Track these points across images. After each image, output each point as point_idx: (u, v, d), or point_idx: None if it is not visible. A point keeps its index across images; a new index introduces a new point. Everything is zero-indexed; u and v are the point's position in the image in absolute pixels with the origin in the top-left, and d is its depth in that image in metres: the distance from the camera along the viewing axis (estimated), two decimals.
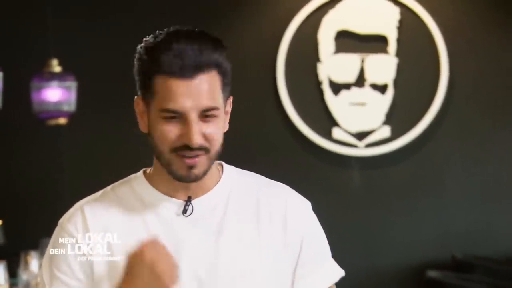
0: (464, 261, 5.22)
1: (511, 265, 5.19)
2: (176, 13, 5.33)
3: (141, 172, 1.81)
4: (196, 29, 1.69)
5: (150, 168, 1.80)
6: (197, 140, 1.65)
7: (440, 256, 5.40)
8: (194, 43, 1.65)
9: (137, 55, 1.70)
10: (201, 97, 1.65)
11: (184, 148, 1.66)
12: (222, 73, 1.69)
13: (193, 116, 1.65)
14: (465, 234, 5.45)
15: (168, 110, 1.65)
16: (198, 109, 1.65)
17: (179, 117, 1.65)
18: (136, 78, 1.71)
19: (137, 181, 1.79)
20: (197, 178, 1.70)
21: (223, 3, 5.48)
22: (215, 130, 1.68)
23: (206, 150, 1.68)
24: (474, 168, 5.48)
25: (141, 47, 1.69)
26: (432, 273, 5.10)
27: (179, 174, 1.69)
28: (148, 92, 1.68)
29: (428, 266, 5.30)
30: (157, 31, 1.70)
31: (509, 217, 5.47)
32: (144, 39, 1.70)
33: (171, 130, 1.66)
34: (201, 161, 1.68)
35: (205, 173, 1.71)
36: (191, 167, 1.68)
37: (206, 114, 1.66)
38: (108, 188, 1.81)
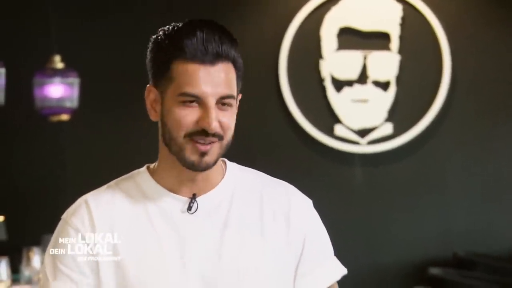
0: (466, 258, 5.22)
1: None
2: (177, 13, 5.32)
3: (144, 167, 1.80)
4: (216, 22, 1.70)
5: (153, 164, 1.79)
6: (215, 125, 1.66)
7: (442, 253, 5.40)
8: (215, 33, 1.67)
9: (152, 44, 1.71)
10: (220, 84, 1.67)
11: (200, 133, 1.66)
12: (237, 67, 1.72)
13: (212, 102, 1.66)
14: (466, 231, 5.45)
15: (187, 94, 1.66)
16: (217, 96, 1.66)
17: (197, 102, 1.66)
18: (150, 66, 1.72)
19: (141, 176, 1.79)
20: (207, 166, 1.70)
21: (225, 0, 5.48)
22: (230, 120, 1.70)
23: (220, 138, 1.68)
24: (476, 166, 5.48)
25: (159, 35, 1.70)
26: (434, 270, 5.10)
27: (191, 161, 1.69)
28: (164, 78, 1.69)
29: (430, 263, 5.30)
30: (174, 23, 1.71)
31: (510, 215, 5.47)
32: (160, 29, 1.71)
33: (188, 115, 1.67)
34: (213, 149, 1.69)
35: (215, 162, 1.71)
36: (203, 153, 1.68)
37: (222, 102, 1.67)
38: (112, 183, 1.80)
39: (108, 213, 1.75)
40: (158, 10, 5.38)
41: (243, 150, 5.08)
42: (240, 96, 1.76)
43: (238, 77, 1.73)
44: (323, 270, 1.82)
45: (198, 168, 1.70)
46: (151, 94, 1.73)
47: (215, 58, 1.66)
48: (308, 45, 5.44)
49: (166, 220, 1.73)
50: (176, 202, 1.75)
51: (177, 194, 1.75)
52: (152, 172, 1.78)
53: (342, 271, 1.85)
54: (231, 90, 1.69)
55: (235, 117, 1.72)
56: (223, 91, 1.67)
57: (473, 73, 5.46)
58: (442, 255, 5.40)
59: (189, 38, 1.66)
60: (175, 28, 1.69)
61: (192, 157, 1.68)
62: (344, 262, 1.85)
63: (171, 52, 1.67)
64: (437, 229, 5.46)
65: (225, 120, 1.68)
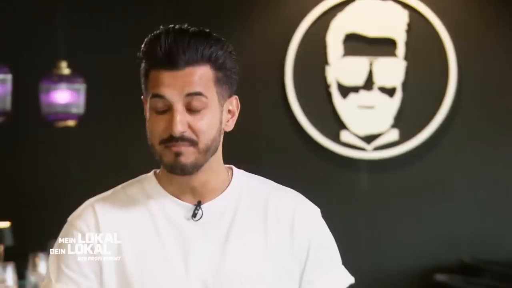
0: (472, 265, 5.21)
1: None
2: (184, 17, 5.28)
3: (151, 172, 1.81)
4: (192, 27, 1.71)
5: (160, 169, 1.80)
6: (178, 128, 1.65)
7: (448, 259, 5.39)
8: (184, 38, 1.67)
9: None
10: (186, 86, 1.66)
11: (170, 139, 1.67)
12: (217, 69, 1.70)
13: (178, 106, 1.66)
14: (473, 237, 5.44)
15: (153, 95, 1.67)
16: (182, 96, 1.66)
17: (168, 110, 1.67)
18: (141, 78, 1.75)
19: (148, 181, 1.79)
20: (184, 167, 1.69)
21: (231, 6, 5.48)
22: (203, 123, 1.68)
23: (193, 142, 1.68)
24: (482, 171, 5.47)
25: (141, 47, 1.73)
26: (440, 277, 5.09)
27: (168, 164, 1.69)
28: (145, 88, 1.72)
29: (436, 270, 5.29)
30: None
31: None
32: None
33: (159, 123, 1.68)
34: (188, 151, 1.68)
35: (195, 166, 1.70)
36: (177, 154, 1.67)
37: (192, 105, 1.67)
38: (119, 187, 1.81)
39: (113, 217, 1.75)
40: (164, 16, 5.38)
41: (248, 156, 5.09)
42: (234, 98, 1.76)
43: (220, 79, 1.71)
44: (329, 278, 1.81)
45: (176, 169, 1.69)
46: (144, 105, 1.75)
47: (181, 63, 1.66)
48: (314, 51, 5.44)
49: (170, 226, 1.74)
50: (181, 209, 1.75)
51: (182, 200, 1.75)
52: (158, 178, 1.79)
53: (349, 280, 1.84)
54: (200, 88, 1.67)
55: (214, 120, 1.70)
56: (189, 89, 1.66)
57: (479, 79, 5.46)
58: (448, 262, 5.39)
59: (155, 48, 1.67)
60: (147, 39, 1.71)
61: (168, 159, 1.69)
62: (349, 268, 1.85)
63: (146, 64, 1.70)
64: (443, 235, 5.45)
65: (196, 124, 1.67)
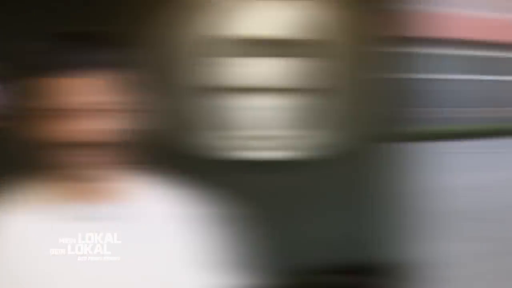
0: (367, 265, 5.31)
1: (401, 268, 5.24)
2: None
3: (48, 170, 1.74)
4: (88, 30, 1.68)
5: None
6: (87, 135, 1.62)
7: (331, 260, 5.43)
8: (81, 43, 1.64)
9: (19, 56, 1.68)
10: (90, 92, 1.61)
11: (75, 146, 1.62)
12: (119, 71, 1.67)
13: (82, 111, 1.61)
14: (367, 239, 5.52)
15: (56, 107, 1.61)
16: (87, 104, 1.61)
17: (71, 115, 1.62)
18: (17, 78, 1.67)
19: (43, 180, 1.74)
20: (93, 178, 1.67)
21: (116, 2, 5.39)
22: (110, 127, 1.65)
23: (100, 146, 1.64)
24: (380, 174, 5.56)
25: (26, 49, 1.67)
26: (335, 277, 5.17)
27: (73, 175, 1.66)
28: (32, 92, 1.64)
29: (319, 271, 5.34)
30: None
31: (398, 222, 5.56)
32: (30, 37, 1.68)
33: (60, 128, 1.62)
34: (96, 159, 1.65)
35: (104, 171, 1.68)
36: (83, 166, 1.64)
37: (97, 109, 1.63)
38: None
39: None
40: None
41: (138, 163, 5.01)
42: (144, 98, 1.73)
43: (124, 81, 1.67)
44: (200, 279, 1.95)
45: (83, 181, 1.67)
46: (21, 106, 1.69)
47: (82, 69, 1.61)
48: (206, 51, 5.41)
49: (66, 227, 1.70)
50: (74, 211, 1.70)
51: (76, 202, 1.71)
52: (53, 177, 1.75)
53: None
54: (105, 94, 1.63)
55: (119, 122, 1.67)
56: (94, 98, 1.62)
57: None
58: (331, 262, 5.42)
59: (52, 53, 1.62)
60: (40, 43, 1.66)
61: (73, 169, 1.65)
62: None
63: (36, 68, 1.63)
64: (341, 236, 5.52)
65: (103, 128, 1.64)
